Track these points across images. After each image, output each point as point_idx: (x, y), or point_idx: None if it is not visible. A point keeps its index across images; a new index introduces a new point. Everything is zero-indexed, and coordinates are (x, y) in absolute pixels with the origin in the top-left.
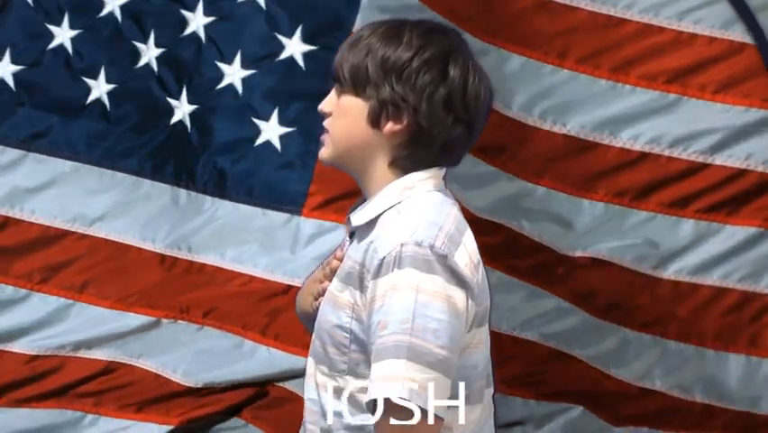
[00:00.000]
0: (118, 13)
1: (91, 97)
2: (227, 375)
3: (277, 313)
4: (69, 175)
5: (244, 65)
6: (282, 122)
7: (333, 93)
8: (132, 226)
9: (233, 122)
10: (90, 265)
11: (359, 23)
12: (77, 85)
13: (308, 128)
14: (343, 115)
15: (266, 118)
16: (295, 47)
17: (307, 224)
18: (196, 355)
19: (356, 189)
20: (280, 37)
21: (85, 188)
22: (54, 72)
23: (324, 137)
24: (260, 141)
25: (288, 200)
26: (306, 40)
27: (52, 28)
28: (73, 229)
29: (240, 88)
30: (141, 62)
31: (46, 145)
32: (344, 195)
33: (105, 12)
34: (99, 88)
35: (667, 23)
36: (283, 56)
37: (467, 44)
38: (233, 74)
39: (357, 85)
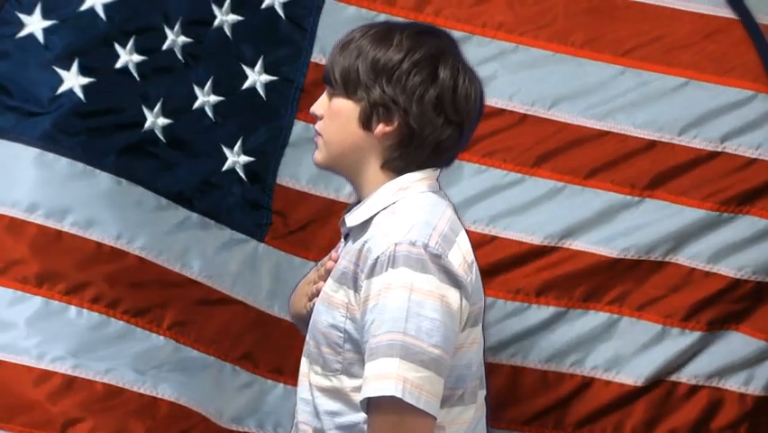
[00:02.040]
0: (100, 10)
1: (62, 89)
2: None
3: None
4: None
5: (215, 91)
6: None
7: (324, 95)
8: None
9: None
10: None
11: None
12: (50, 75)
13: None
14: (335, 118)
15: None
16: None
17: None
18: None
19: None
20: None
21: None
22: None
23: (317, 140)
24: (226, 166)
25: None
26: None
27: (23, 17)
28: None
29: (210, 113)
30: (119, 65)
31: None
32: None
33: (84, 6)
34: (72, 80)
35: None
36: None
37: (458, 46)
38: (207, 97)
39: (348, 87)
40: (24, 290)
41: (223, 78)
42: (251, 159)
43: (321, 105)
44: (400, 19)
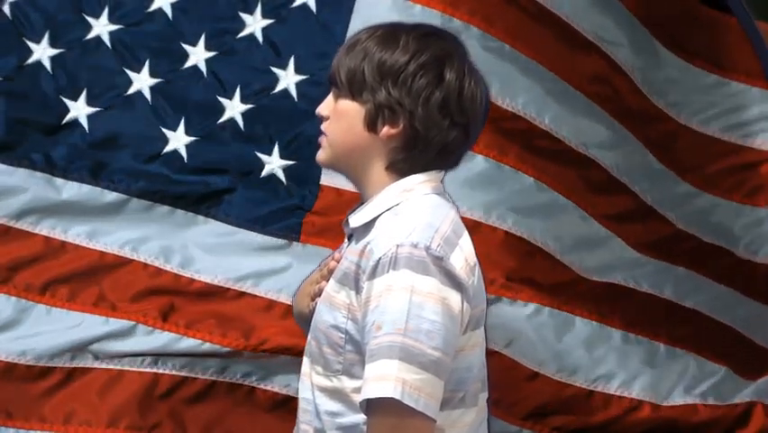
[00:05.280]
0: (107, 39)
1: (68, 117)
2: None
3: None
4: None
5: (244, 99)
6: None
7: (330, 96)
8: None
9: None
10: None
11: None
12: (56, 103)
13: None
14: (340, 119)
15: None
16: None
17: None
18: None
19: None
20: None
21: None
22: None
23: (322, 140)
24: (265, 172)
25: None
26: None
27: (31, 44)
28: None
29: (241, 122)
30: (132, 90)
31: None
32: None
33: (91, 35)
34: (78, 110)
35: None
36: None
37: (464, 48)
38: (236, 108)
39: (353, 89)
40: None
41: (252, 84)
42: (292, 162)
43: (326, 106)
44: (436, 12)
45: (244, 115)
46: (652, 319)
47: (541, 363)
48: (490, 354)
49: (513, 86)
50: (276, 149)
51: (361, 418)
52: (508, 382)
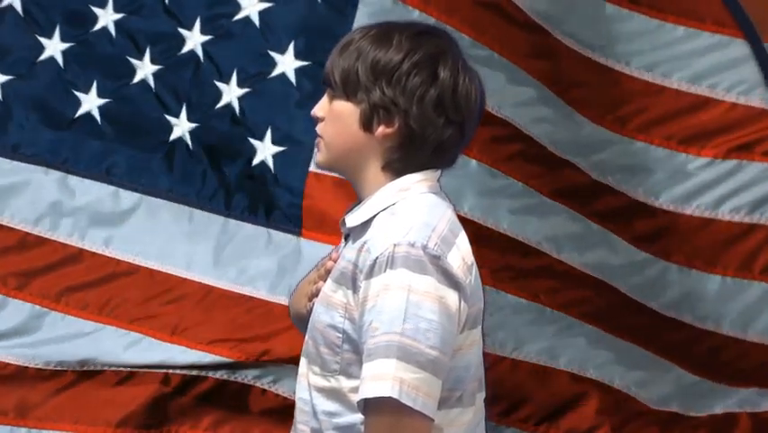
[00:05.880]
0: (112, 29)
1: (81, 111)
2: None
3: None
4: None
5: (240, 84)
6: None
7: (325, 97)
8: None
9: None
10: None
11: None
12: (67, 98)
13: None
14: (335, 120)
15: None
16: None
17: (306, 244)
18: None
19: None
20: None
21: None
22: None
23: (318, 142)
24: (257, 160)
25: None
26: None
27: (43, 40)
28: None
29: (237, 107)
30: (137, 78)
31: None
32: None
33: (98, 26)
34: (90, 102)
35: None
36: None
37: (458, 46)
38: (233, 92)
39: (348, 89)
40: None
41: (248, 68)
42: (283, 148)
43: (321, 108)
44: (432, 19)
45: (241, 99)
46: (643, 327)
47: (553, 358)
48: (499, 361)
49: (502, 93)
50: (269, 135)
51: (358, 417)
52: (519, 387)
